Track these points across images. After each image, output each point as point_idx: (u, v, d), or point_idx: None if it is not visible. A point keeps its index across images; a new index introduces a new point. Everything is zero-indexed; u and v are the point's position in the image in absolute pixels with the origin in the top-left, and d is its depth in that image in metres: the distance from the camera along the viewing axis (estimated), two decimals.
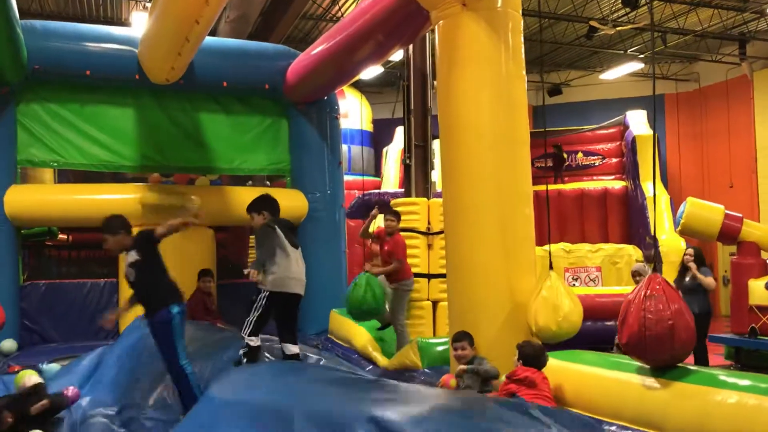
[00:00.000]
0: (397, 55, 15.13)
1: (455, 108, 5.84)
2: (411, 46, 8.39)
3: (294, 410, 3.20)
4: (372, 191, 15.25)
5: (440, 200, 8.30)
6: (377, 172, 19.90)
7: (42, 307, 8.85)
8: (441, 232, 8.01)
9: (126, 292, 8.88)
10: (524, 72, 5.87)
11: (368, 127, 20.25)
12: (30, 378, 5.99)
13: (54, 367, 7.05)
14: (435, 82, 8.41)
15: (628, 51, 17.30)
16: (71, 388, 6.37)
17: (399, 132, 19.14)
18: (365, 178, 19.02)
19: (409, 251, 7.86)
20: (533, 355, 4.67)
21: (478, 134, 5.71)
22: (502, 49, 5.69)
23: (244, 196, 9.58)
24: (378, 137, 20.41)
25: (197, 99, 9.53)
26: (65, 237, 10.64)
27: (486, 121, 5.70)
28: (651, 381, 4.04)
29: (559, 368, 4.88)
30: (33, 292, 8.84)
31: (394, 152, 18.50)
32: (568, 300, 5.12)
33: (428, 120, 8.21)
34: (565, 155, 17.43)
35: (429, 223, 7.97)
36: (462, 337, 5.22)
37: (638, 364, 4.19)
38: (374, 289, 7.01)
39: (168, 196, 8.98)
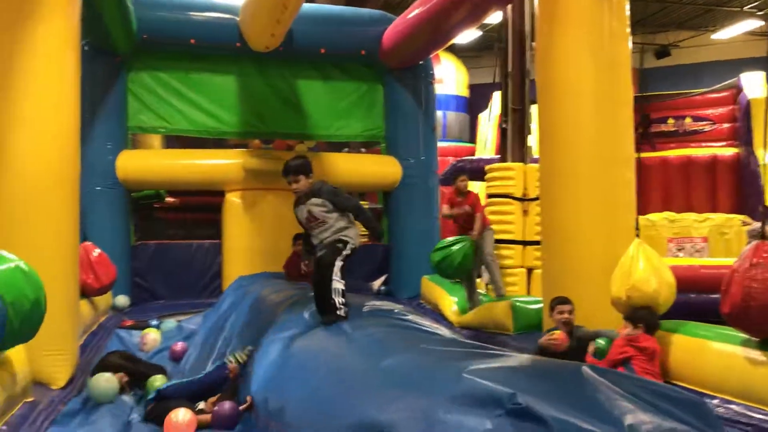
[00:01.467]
0: (494, 18, 14.79)
1: (555, 69, 5.67)
2: (509, 7, 8.17)
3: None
4: (466, 158, 15.09)
5: (537, 165, 8.14)
6: (472, 138, 19.66)
7: (151, 266, 9.35)
8: (537, 198, 7.87)
9: (228, 254, 9.31)
10: (628, 30, 5.61)
11: (464, 92, 19.99)
12: (149, 335, 6.37)
13: (171, 323, 7.49)
14: (534, 44, 8.20)
15: (745, 8, 16.18)
16: (180, 343, 6.77)
17: (496, 97, 18.77)
18: (460, 144, 18.85)
19: (503, 218, 7.80)
20: (654, 322, 4.52)
21: (579, 96, 5.53)
22: (605, 7, 5.46)
23: (342, 162, 9.77)
24: (474, 103, 20.10)
25: (296, 66, 9.68)
26: (172, 200, 11.16)
27: (587, 82, 5.51)
28: (757, 354, 3.84)
29: (662, 339, 4.71)
30: (143, 252, 9.34)
31: (490, 118, 18.18)
32: (645, 269, 4.86)
33: (526, 83, 8.00)
34: (674, 122, 16.62)
35: (525, 189, 7.82)
36: (569, 301, 5.14)
37: (745, 336, 3.99)
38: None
39: (269, 161, 9.23)
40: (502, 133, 8.17)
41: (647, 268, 4.83)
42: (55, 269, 4.60)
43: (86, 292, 6.58)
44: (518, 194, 7.83)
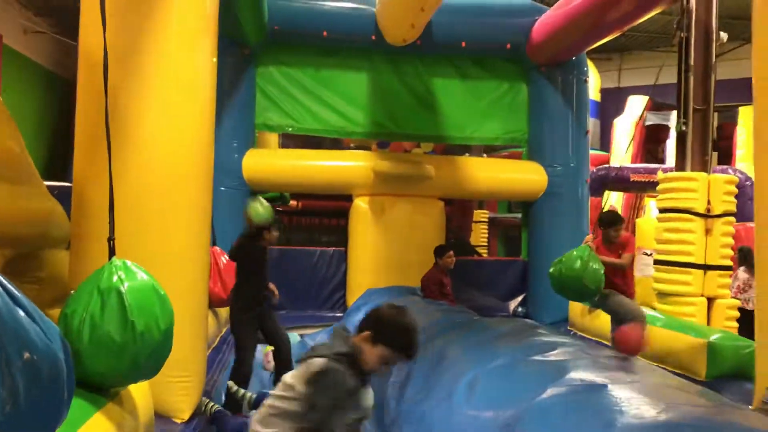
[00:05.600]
0: None
1: None
2: None
3: None
4: (605, 166, 13.82)
5: (723, 176, 6.94)
6: (603, 146, 18.28)
7: (273, 274, 8.75)
8: (724, 215, 6.67)
9: (354, 263, 8.59)
10: None
11: (596, 96, 18.63)
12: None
13: (293, 337, 6.84)
14: (722, 34, 7.01)
15: None
16: None
17: (632, 102, 17.34)
18: (593, 152, 17.52)
19: (683, 236, 6.62)
20: None
21: None
22: None
23: (479, 168, 8.87)
24: (604, 108, 18.76)
25: (432, 62, 8.88)
26: (295, 203, 10.62)
27: None
28: None
29: None
30: None
31: (625, 124, 16.76)
32: None
33: (711, 80, 6.81)
34: None
35: (709, 203, 6.60)
36: None
37: None
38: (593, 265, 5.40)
39: (400, 164, 8.47)
40: (680, 136, 6.99)
41: None
42: (187, 279, 3.93)
43: (212, 303, 6.00)
44: (701, 210, 6.60)
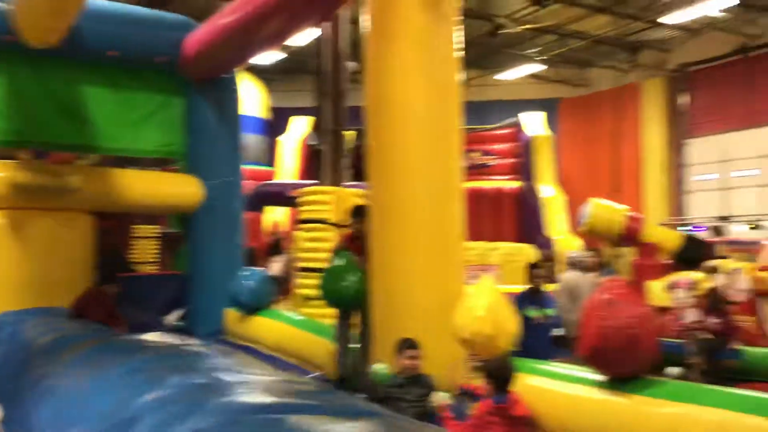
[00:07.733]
0: (300, 40, 14.37)
1: (384, 89, 5.31)
2: (327, 24, 7.76)
3: None
4: (268, 182, 14.44)
5: (352, 190, 7.77)
6: (271, 162, 19.04)
7: None
8: None
9: None
10: (460, 55, 5.42)
11: (264, 114, 19.32)
12: None
13: None
14: (351, 64, 7.87)
15: (526, 52, 17.48)
16: None
17: (295, 121, 18.37)
18: (259, 167, 18.12)
19: (319, 245, 7.26)
20: (502, 377, 3.76)
21: (409, 118, 5.22)
22: (438, 27, 5.22)
23: (134, 180, 8.63)
24: (275, 126, 19.56)
25: (78, 69, 8.37)
26: None
27: (418, 104, 5.21)
28: (610, 394, 3.65)
29: None
30: None
31: (290, 142, 17.71)
32: (484, 310, 4.59)
33: (342, 104, 7.61)
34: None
35: (341, 214, 7.35)
36: (418, 345, 4.69)
37: (596, 376, 3.80)
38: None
39: (42, 176, 7.84)
40: (316, 155, 7.66)
41: (486, 309, 4.50)
42: None
43: None
44: (334, 220, 7.33)
